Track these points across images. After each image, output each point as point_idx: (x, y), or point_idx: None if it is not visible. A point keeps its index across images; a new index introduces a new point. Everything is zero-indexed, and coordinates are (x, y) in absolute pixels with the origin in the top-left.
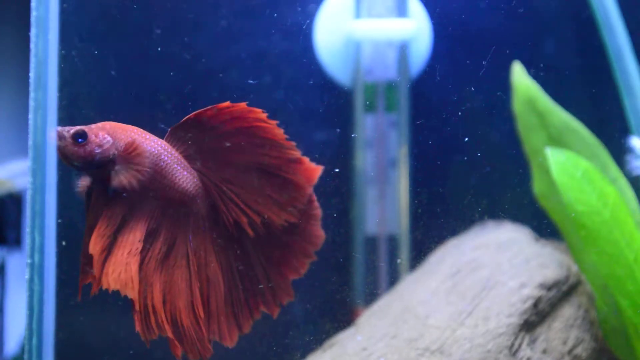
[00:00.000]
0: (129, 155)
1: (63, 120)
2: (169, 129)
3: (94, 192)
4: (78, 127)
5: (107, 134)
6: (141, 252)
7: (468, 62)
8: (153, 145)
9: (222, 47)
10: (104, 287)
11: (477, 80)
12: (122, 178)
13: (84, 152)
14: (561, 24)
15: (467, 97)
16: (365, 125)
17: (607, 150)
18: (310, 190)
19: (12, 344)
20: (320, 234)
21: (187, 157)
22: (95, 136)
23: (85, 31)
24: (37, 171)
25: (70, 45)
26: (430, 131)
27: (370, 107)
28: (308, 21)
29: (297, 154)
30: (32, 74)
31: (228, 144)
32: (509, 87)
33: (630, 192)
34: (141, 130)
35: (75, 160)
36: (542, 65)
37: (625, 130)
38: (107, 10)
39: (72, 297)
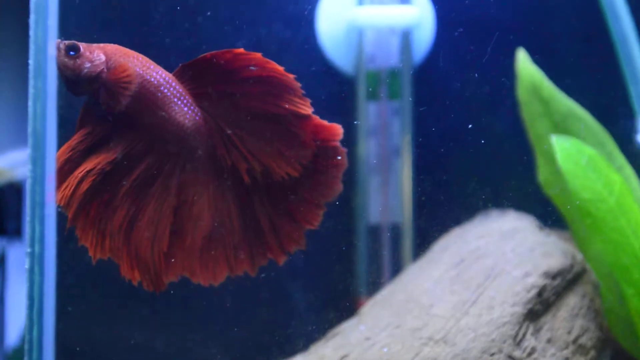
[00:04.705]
0: (117, 76)
1: (63, 108)
2: (180, 65)
3: (83, 108)
4: (74, 41)
5: (104, 54)
6: (111, 174)
7: (471, 48)
8: (154, 75)
9: (224, 34)
10: (56, 202)
11: (481, 67)
12: (104, 96)
13: (73, 64)
14: (565, 9)
15: (471, 84)
16: (368, 113)
17: (612, 138)
18: (314, 145)
19: (13, 335)
20: (337, 187)
21: (195, 95)
22: (90, 53)
23: (85, 18)
24: (37, 159)
25: (69, 32)
26: (433, 119)
27: (372, 95)
28: (310, 7)
29: (308, 110)
30: (31, 62)
31: (241, 89)
32: (513, 74)
33: (635, 180)
34: (146, 59)
35: (64, 71)
36: (546, 51)
37: (630, 118)
38: None
39: (73, 287)
